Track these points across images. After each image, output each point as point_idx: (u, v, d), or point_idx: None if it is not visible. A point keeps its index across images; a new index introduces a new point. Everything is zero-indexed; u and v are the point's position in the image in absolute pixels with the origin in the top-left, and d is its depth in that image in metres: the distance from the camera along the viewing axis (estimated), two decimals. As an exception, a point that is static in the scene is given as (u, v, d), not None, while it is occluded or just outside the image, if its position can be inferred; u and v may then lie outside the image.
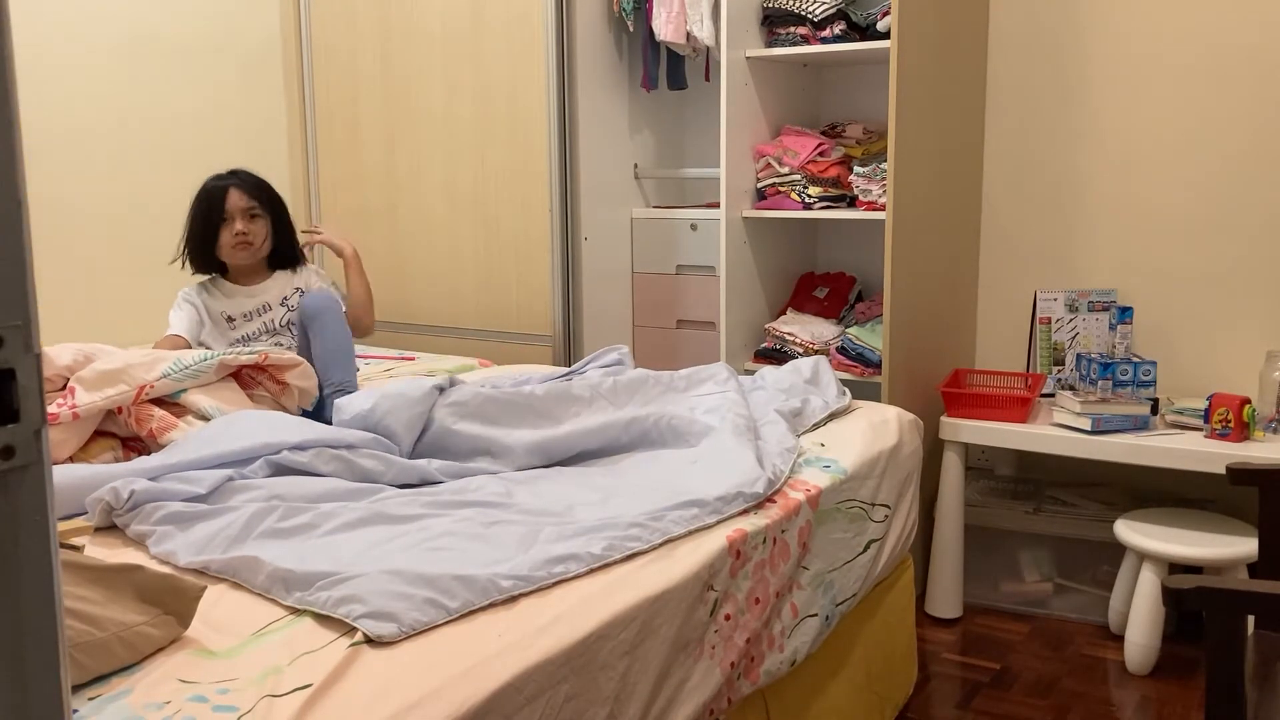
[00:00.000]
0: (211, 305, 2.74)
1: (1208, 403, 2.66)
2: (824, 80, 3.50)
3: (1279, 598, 1.42)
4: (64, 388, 2.13)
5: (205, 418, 2.21)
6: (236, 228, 2.66)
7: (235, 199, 2.67)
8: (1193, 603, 1.44)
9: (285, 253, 2.80)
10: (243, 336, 2.74)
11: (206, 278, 2.78)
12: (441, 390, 2.23)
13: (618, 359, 2.84)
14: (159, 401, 2.20)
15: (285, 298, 2.79)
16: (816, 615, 1.98)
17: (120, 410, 2.15)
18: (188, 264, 2.73)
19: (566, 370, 2.86)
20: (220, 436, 2.05)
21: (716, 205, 3.21)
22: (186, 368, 2.25)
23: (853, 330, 3.18)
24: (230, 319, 2.74)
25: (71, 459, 2.09)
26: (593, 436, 2.17)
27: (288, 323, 2.78)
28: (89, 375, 2.13)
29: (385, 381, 2.79)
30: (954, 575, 2.93)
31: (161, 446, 2.13)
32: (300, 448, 2.00)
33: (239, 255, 2.70)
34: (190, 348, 2.62)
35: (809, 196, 3.11)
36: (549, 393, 2.24)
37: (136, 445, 2.20)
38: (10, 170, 0.58)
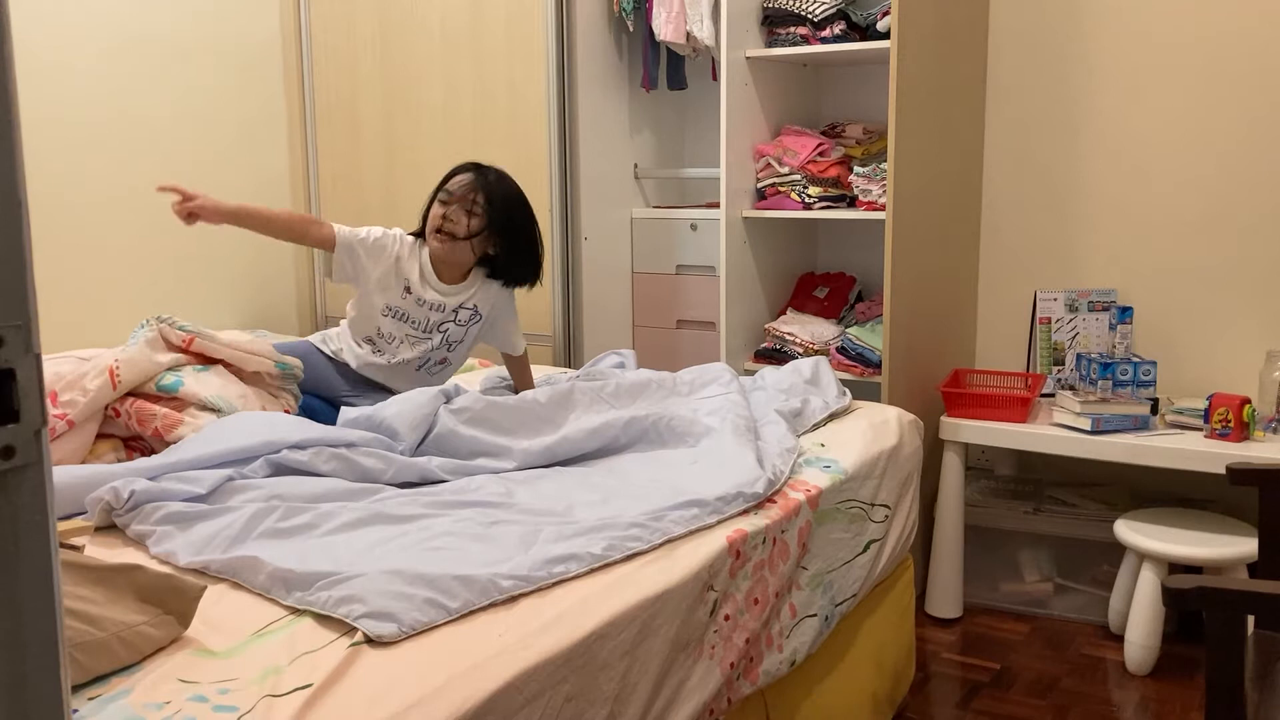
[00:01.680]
0: (406, 263, 2.57)
1: (1208, 403, 2.66)
2: (824, 80, 3.50)
3: (1279, 598, 1.42)
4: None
5: (210, 408, 2.20)
6: (446, 211, 2.50)
7: (464, 183, 2.51)
8: (1193, 603, 1.44)
9: (510, 272, 2.62)
10: (404, 313, 2.58)
11: (420, 238, 2.61)
12: (448, 398, 2.25)
13: (620, 362, 2.84)
14: (157, 399, 2.19)
15: (461, 305, 2.61)
16: (815, 615, 1.98)
17: (118, 412, 2.15)
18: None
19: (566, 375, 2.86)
20: (220, 436, 2.05)
21: (716, 205, 3.21)
22: (132, 336, 2.21)
23: (853, 330, 3.18)
24: (407, 289, 2.57)
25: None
26: (593, 437, 2.17)
27: (446, 330, 2.61)
28: (60, 383, 2.13)
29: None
30: (954, 575, 2.93)
31: (168, 444, 2.13)
32: (300, 447, 2.00)
33: (434, 241, 2.53)
34: (332, 237, 2.52)
35: (809, 196, 3.11)
36: (552, 398, 2.25)
37: (139, 445, 2.20)
38: (10, 170, 0.58)
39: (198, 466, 1.94)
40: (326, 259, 2.66)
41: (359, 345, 2.64)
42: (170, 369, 2.23)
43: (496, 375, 2.82)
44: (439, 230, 2.52)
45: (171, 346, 2.28)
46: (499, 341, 2.73)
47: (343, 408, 2.29)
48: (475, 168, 2.55)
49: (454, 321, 2.62)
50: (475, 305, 2.63)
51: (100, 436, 2.16)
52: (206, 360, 2.31)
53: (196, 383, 2.23)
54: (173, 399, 2.19)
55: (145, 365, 2.18)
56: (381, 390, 2.62)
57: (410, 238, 2.61)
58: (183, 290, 3.59)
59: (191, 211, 2.43)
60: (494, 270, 2.63)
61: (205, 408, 2.19)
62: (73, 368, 2.16)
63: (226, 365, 2.34)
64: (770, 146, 3.20)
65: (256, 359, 2.36)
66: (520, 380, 2.75)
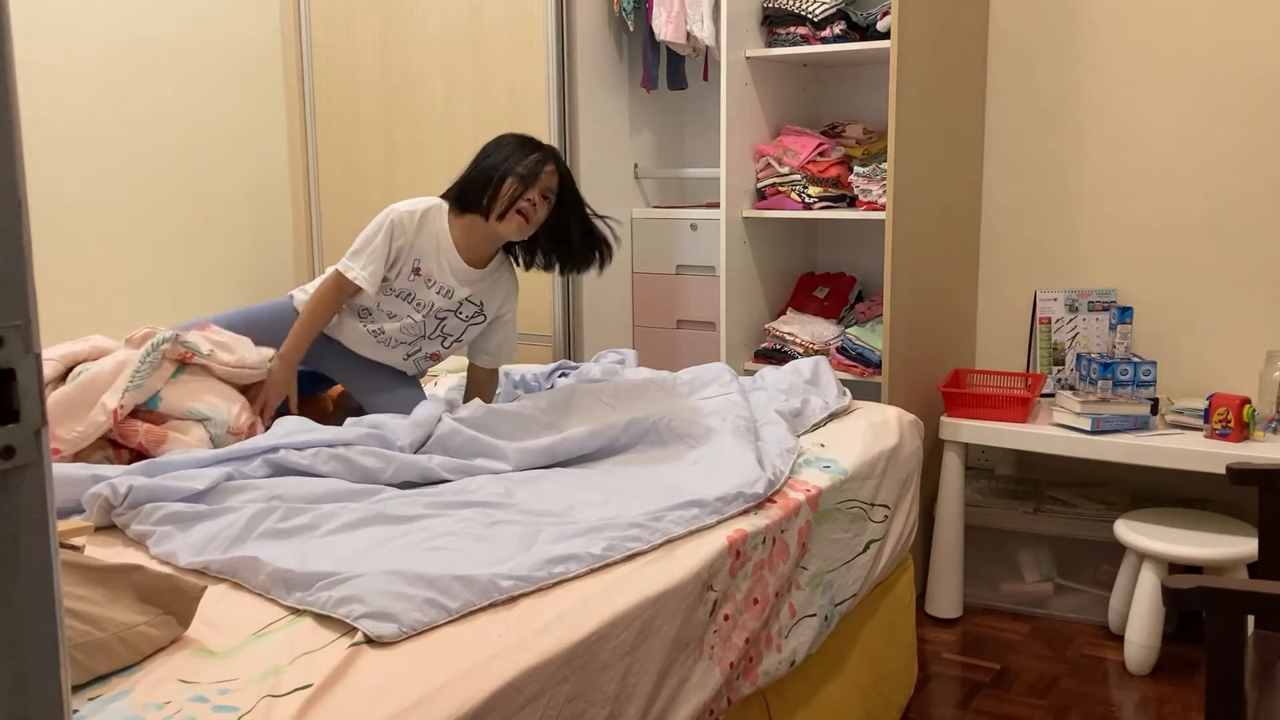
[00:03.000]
0: (419, 242, 2.42)
1: (1208, 403, 2.66)
2: (824, 80, 3.50)
3: (1279, 598, 1.42)
4: None
5: (197, 418, 2.18)
6: (532, 195, 2.35)
7: (547, 171, 2.38)
8: (1193, 603, 1.44)
9: (558, 258, 2.52)
10: (408, 293, 2.45)
11: (442, 209, 2.45)
12: (450, 407, 2.25)
13: (620, 359, 2.84)
14: (135, 413, 2.15)
15: (468, 298, 2.50)
16: (815, 615, 1.98)
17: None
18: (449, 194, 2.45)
19: (556, 366, 2.86)
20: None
21: (716, 205, 3.21)
22: (137, 371, 2.13)
23: (853, 330, 3.18)
24: (417, 270, 2.43)
25: None
26: (593, 438, 2.17)
27: (444, 320, 2.51)
28: (57, 407, 2.10)
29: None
30: (954, 575, 2.93)
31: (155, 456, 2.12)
32: (298, 448, 2.00)
33: (509, 227, 2.37)
34: (359, 289, 2.39)
35: (809, 196, 3.11)
36: (552, 404, 2.24)
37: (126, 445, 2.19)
38: (10, 170, 0.58)
39: (196, 465, 1.95)
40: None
41: (346, 316, 2.50)
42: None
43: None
44: (519, 211, 2.36)
45: (169, 360, 2.25)
46: (491, 347, 2.59)
47: (348, 420, 2.28)
48: (554, 154, 2.42)
49: (456, 314, 2.52)
50: (482, 303, 2.53)
51: None
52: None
53: (172, 394, 2.18)
54: (149, 414, 2.16)
55: (142, 396, 2.17)
56: (363, 362, 2.53)
57: (417, 213, 2.42)
58: (183, 284, 3.59)
59: (270, 406, 2.34)
60: (551, 259, 2.52)
61: (192, 418, 2.17)
62: (71, 395, 2.13)
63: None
64: (770, 146, 3.20)
65: (248, 373, 2.32)
66: (481, 397, 2.56)
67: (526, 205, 2.36)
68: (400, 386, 2.55)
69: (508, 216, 2.37)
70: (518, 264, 2.61)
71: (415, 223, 2.42)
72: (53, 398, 2.10)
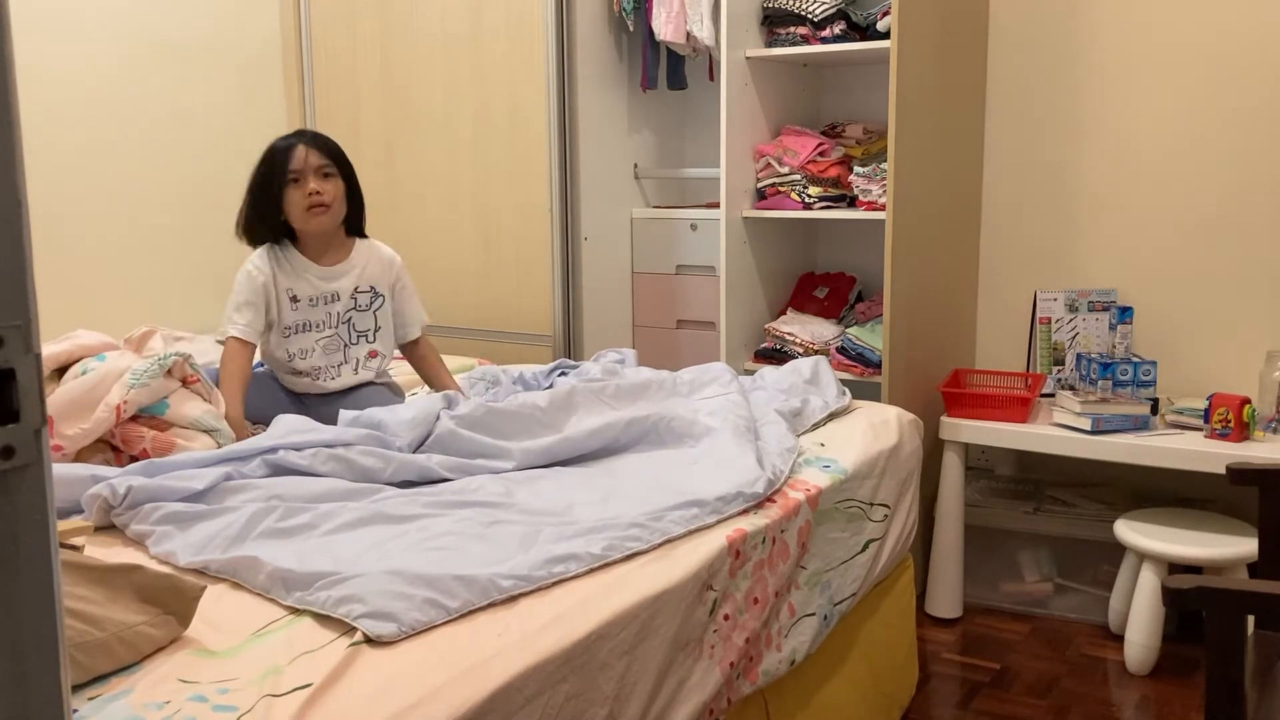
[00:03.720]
0: (278, 278, 2.45)
1: (1208, 403, 2.66)
2: (824, 80, 3.50)
3: (1279, 598, 1.42)
4: None
5: (203, 429, 2.18)
6: (310, 186, 2.39)
7: (304, 156, 2.40)
8: (1193, 603, 1.44)
9: (355, 218, 2.54)
10: (303, 323, 2.48)
11: (272, 246, 2.49)
12: (449, 403, 2.25)
13: (619, 358, 2.84)
14: (136, 418, 2.14)
15: (356, 289, 2.53)
16: (814, 615, 1.98)
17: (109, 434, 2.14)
18: (245, 237, 2.49)
19: (555, 364, 2.86)
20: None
21: (716, 205, 3.21)
22: (146, 370, 2.14)
23: (853, 330, 3.18)
24: (294, 298, 2.46)
25: None
26: (593, 437, 2.17)
27: (349, 320, 2.53)
28: (61, 405, 2.09)
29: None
30: (954, 575, 2.93)
31: None
32: (297, 448, 2.00)
33: (315, 220, 2.41)
34: (253, 347, 2.43)
35: (809, 196, 3.11)
36: (552, 403, 2.24)
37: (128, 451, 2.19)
38: (10, 170, 0.58)
39: (195, 465, 1.95)
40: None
41: (290, 379, 2.54)
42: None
43: (481, 373, 2.80)
44: (311, 208, 2.41)
45: (174, 376, 2.25)
46: (405, 319, 2.61)
47: (341, 411, 2.29)
48: (296, 138, 2.45)
49: (355, 308, 2.52)
50: (372, 286, 2.54)
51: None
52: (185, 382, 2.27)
53: (180, 403, 2.18)
54: (153, 419, 2.16)
55: (146, 397, 2.16)
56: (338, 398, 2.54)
57: (262, 252, 2.47)
58: (183, 284, 3.59)
59: None
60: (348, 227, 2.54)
61: (199, 429, 2.16)
62: (77, 393, 2.12)
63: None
64: (770, 146, 3.21)
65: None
66: (432, 375, 2.62)
67: (313, 197, 2.40)
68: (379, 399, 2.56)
69: (307, 215, 2.42)
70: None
71: (266, 261, 2.46)
72: (57, 394, 2.10)
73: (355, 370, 2.56)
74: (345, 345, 2.54)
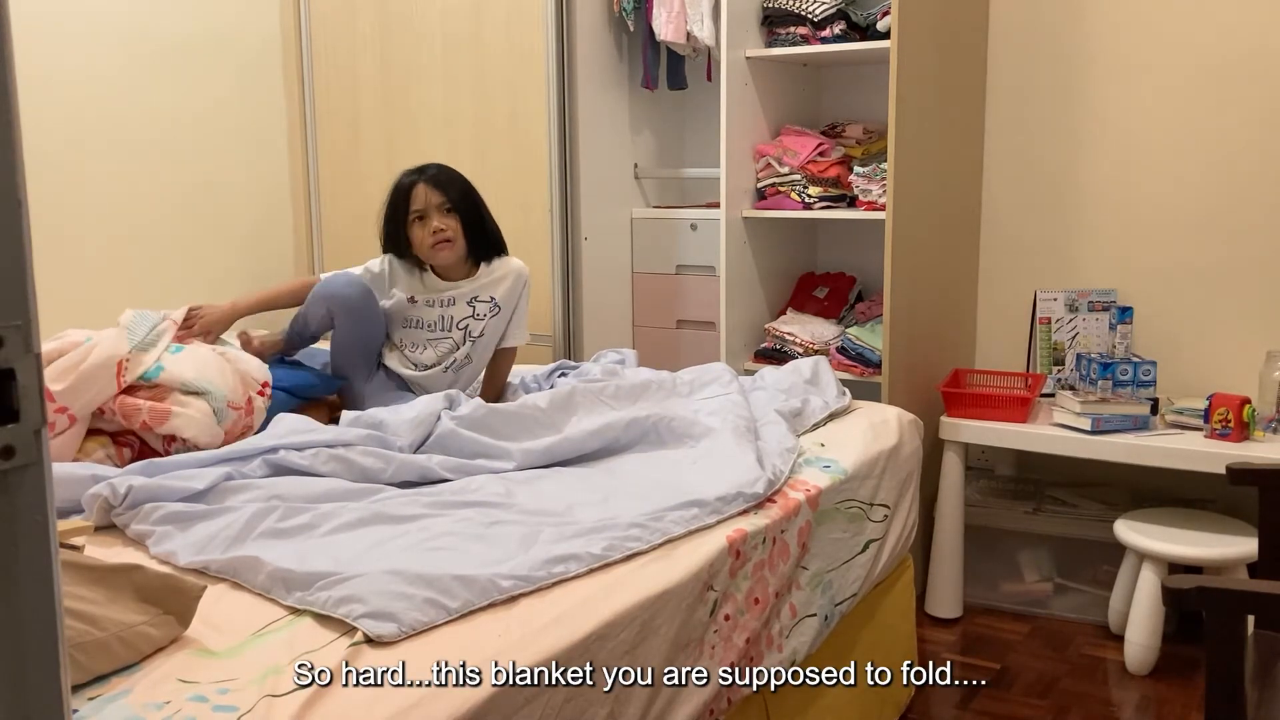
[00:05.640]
0: (401, 277, 2.65)
1: (1208, 403, 2.66)
2: (824, 80, 3.50)
3: (1279, 598, 1.42)
4: None
5: (193, 391, 2.19)
6: (433, 225, 2.56)
7: (425, 195, 2.57)
8: (1193, 603, 1.44)
9: (480, 246, 2.67)
10: (417, 319, 2.66)
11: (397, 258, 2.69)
12: (450, 403, 2.25)
13: (619, 359, 2.84)
14: (136, 389, 2.16)
15: (474, 297, 2.67)
16: (815, 615, 1.98)
17: (103, 409, 2.14)
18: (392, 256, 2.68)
19: (556, 366, 2.86)
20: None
21: (716, 205, 3.21)
22: (145, 337, 2.22)
23: (853, 330, 3.18)
24: (413, 299, 2.65)
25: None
26: (593, 438, 2.17)
27: (465, 326, 2.67)
28: (59, 373, 2.10)
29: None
30: (954, 575, 2.93)
31: (160, 435, 2.13)
32: (298, 448, 2.00)
33: (440, 255, 2.60)
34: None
35: (809, 196, 3.11)
36: (552, 403, 2.24)
37: (126, 440, 2.19)
38: (10, 170, 0.58)
39: (195, 465, 1.95)
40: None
41: (393, 351, 2.70)
42: None
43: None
44: (435, 245, 2.58)
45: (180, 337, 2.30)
46: (505, 334, 2.74)
47: (344, 412, 2.29)
48: (418, 174, 2.61)
49: (473, 315, 2.66)
50: (492, 297, 2.67)
51: (90, 433, 2.16)
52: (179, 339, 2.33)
53: (175, 364, 2.21)
54: (154, 387, 2.17)
55: (147, 358, 2.18)
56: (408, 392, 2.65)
57: (393, 259, 2.66)
58: (182, 284, 3.59)
59: (202, 330, 2.47)
60: (474, 255, 2.68)
61: (188, 391, 2.18)
62: (66, 357, 2.14)
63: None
64: (770, 146, 3.20)
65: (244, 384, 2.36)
66: (492, 377, 2.74)
67: (436, 235, 2.56)
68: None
69: (433, 251, 2.59)
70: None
71: (400, 265, 2.66)
72: (59, 363, 2.11)
73: (443, 368, 2.67)
74: (457, 346, 2.67)
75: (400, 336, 2.69)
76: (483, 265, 2.69)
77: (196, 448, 2.11)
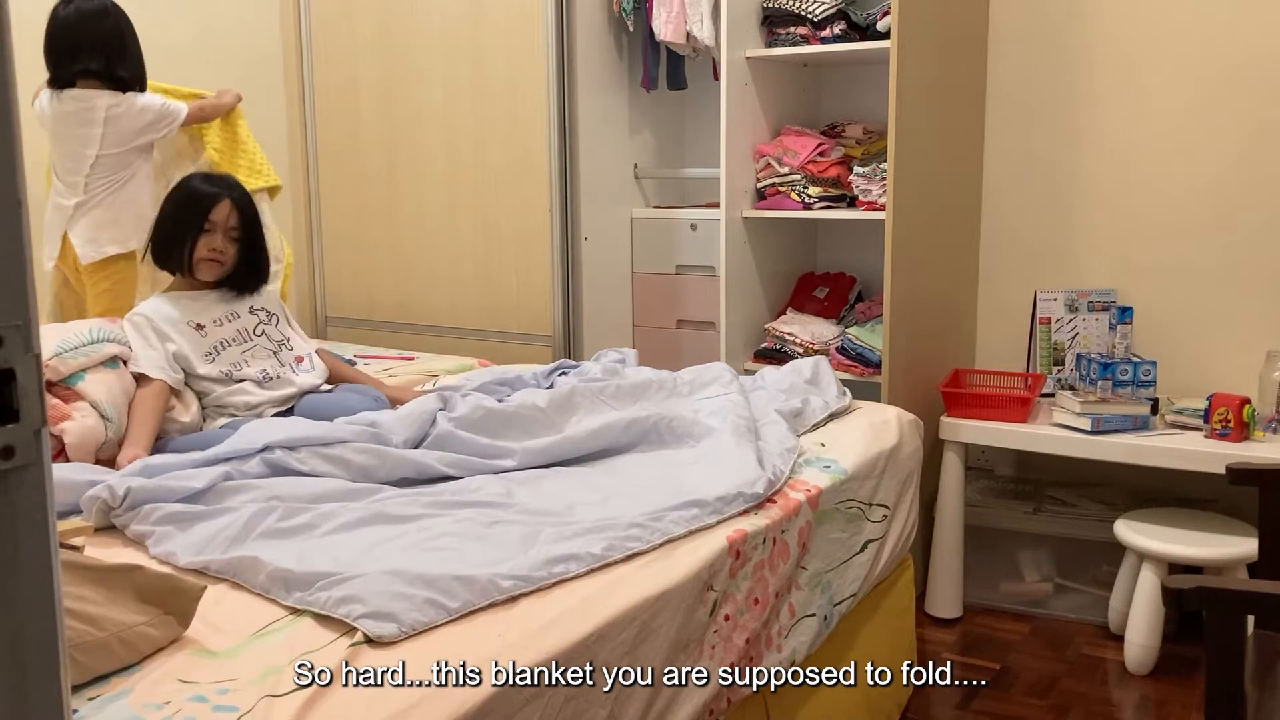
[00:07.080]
0: (178, 313, 2.45)
1: (1208, 403, 2.66)
2: (824, 80, 3.50)
3: (1279, 598, 1.42)
4: None
5: (101, 414, 2.18)
6: (216, 244, 2.45)
7: (224, 212, 2.46)
8: (1193, 603, 1.44)
9: (244, 278, 2.55)
10: (219, 343, 2.47)
11: (163, 288, 2.56)
12: (445, 403, 2.25)
13: (619, 358, 2.84)
14: (53, 388, 2.17)
15: (251, 308, 2.56)
16: (814, 615, 1.98)
17: None
18: (149, 257, 2.56)
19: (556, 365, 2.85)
20: (212, 436, 2.04)
21: (716, 205, 3.21)
22: (77, 348, 2.21)
23: (853, 330, 3.18)
24: (199, 326, 2.45)
25: None
26: (594, 438, 2.17)
27: (261, 331, 2.54)
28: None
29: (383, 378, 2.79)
30: (954, 575, 2.93)
31: (53, 436, 2.13)
32: (292, 446, 2.00)
33: (206, 270, 2.48)
34: (176, 390, 2.37)
35: (809, 196, 3.11)
36: (552, 403, 2.24)
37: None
38: (10, 170, 0.58)
39: (194, 465, 1.95)
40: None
41: (240, 410, 2.44)
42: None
43: (488, 374, 2.79)
44: (209, 260, 2.46)
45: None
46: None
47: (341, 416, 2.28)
48: (213, 184, 2.50)
49: (265, 323, 2.56)
50: (263, 306, 2.58)
51: None
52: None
53: (97, 382, 2.23)
54: (66, 390, 2.20)
55: (74, 365, 2.21)
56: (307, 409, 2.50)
57: (153, 300, 2.48)
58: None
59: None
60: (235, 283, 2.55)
61: (95, 409, 2.19)
62: None
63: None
64: (770, 146, 3.20)
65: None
66: (340, 373, 2.65)
67: (212, 253, 2.45)
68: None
69: (202, 268, 2.48)
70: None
71: (158, 305, 2.47)
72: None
73: (296, 373, 2.54)
74: (272, 353, 2.54)
75: (220, 369, 2.44)
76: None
77: (65, 458, 2.11)
